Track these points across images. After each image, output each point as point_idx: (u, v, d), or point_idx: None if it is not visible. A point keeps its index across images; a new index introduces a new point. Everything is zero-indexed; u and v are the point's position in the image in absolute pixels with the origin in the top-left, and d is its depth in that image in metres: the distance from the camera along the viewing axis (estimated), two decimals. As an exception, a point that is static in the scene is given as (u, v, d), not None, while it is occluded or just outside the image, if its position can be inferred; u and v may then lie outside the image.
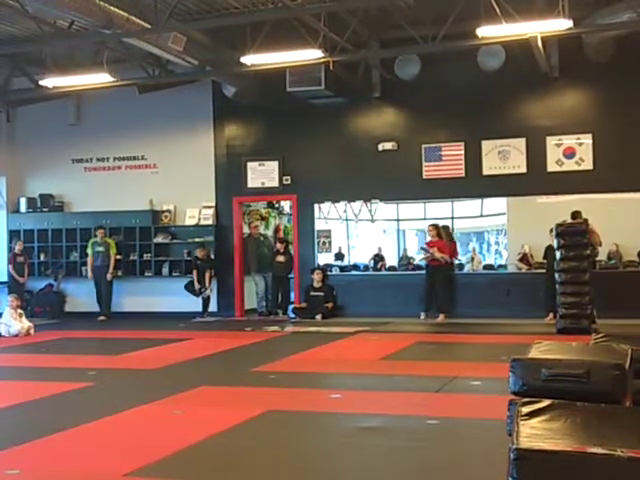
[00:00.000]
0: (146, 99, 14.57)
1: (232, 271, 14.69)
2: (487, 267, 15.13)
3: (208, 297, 14.36)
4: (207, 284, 14.26)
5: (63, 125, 15.41)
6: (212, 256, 14.51)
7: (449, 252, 13.38)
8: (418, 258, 13.90)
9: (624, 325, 10.61)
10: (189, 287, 14.34)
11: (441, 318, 12.96)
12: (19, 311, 12.19)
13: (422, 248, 13.48)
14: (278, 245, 14.78)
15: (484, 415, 5.75)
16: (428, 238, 13.62)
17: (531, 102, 13.25)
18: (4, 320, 11.95)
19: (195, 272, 14.21)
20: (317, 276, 13.87)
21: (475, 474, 4.53)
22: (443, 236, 13.48)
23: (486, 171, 13.32)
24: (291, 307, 14.40)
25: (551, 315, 11.90)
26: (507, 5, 9.86)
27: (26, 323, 12.08)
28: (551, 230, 11.78)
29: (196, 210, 14.80)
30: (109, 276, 14.58)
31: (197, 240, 14.60)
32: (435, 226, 13.57)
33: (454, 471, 4.62)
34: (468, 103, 13.31)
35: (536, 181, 13.04)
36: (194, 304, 14.36)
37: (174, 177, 14.89)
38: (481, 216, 16.35)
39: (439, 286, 13.13)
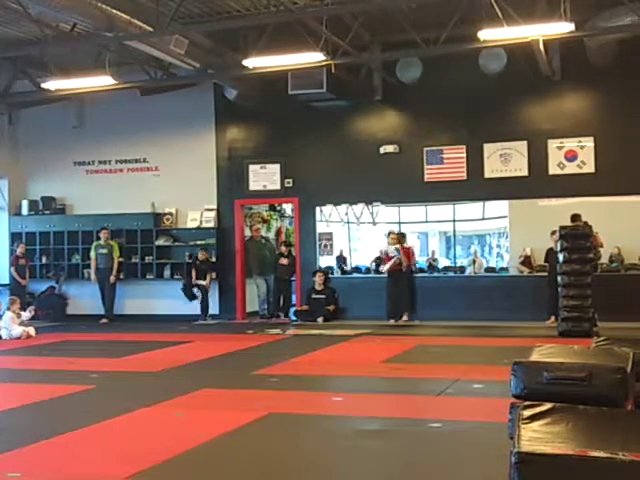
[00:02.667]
0: (148, 102, 14.59)
1: (234, 274, 14.69)
2: (489, 270, 15.12)
3: (202, 297, 14.28)
4: (208, 285, 14.25)
5: (65, 128, 15.43)
6: (213, 259, 14.52)
7: (408, 258, 13.61)
8: (386, 267, 13.56)
9: (626, 328, 10.60)
10: (185, 291, 14.34)
11: (405, 318, 13.16)
12: (17, 312, 12.19)
13: (396, 250, 13.44)
14: (282, 248, 14.81)
15: (486, 418, 5.75)
16: (389, 246, 13.67)
17: (533, 105, 13.25)
18: (4, 324, 11.94)
19: (194, 272, 14.22)
20: (319, 279, 13.87)
21: (476, 477, 4.53)
22: (403, 243, 13.80)
23: (488, 174, 13.32)
24: (293, 310, 14.40)
25: (553, 318, 11.89)
26: (509, 8, 9.86)
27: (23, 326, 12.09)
28: (552, 232, 11.80)
29: (198, 213, 14.80)
30: (112, 279, 14.60)
31: (199, 243, 14.61)
32: (401, 234, 14.01)
33: (456, 474, 4.62)
34: (470, 106, 13.31)
35: (538, 184, 13.03)
36: (196, 307, 14.35)
37: (176, 180, 14.90)
38: (483, 219, 16.34)
39: (402, 291, 13.30)
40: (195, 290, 14.33)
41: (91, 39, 11.48)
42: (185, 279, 14.46)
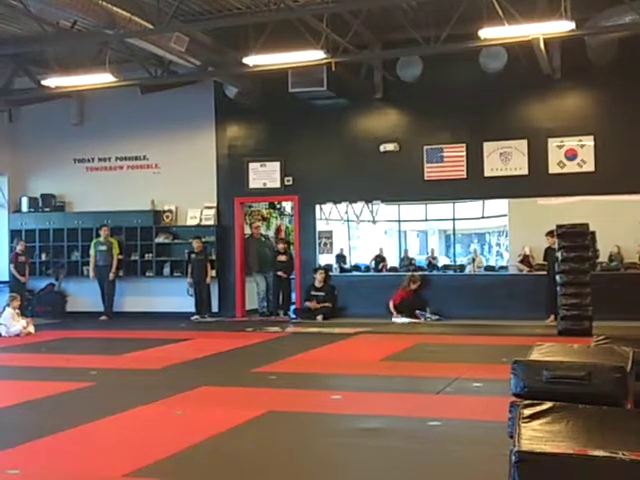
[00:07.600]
0: (148, 99, 14.59)
1: (233, 271, 14.69)
2: (488, 268, 15.12)
3: (200, 296, 14.25)
4: (208, 280, 14.21)
5: (65, 125, 15.42)
6: (213, 257, 14.48)
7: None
8: None
9: (625, 327, 10.61)
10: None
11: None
12: (17, 309, 12.18)
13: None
14: (280, 245, 14.81)
15: (485, 417, 5.75)
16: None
17: (533, 104, 13.24)
18: (3, 321, 11.93)
19: (190, 267, 14.18)
20: (319, 276, 13.86)
21: (476, 476, 4.53)
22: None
23: (487, 173, 13.31)
24: (292, 307, 14.39)
25: (552, 317, 11.89)
26: (509, 7, 9.85)
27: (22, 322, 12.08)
28: (547, 233, 11.81)
29: (197, 210, 14.80)
30: (111, 275, 14.60)
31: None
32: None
33: (455, 473, 4.62)
34: (470, 104, 13.31)
35: (537, 183, 13.02)
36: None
37: (176, 177, 14.89)
38: (482, 217, 16.34)
39: None
40: (188, 287, 14.23)
41: (91, 36, 11.48)
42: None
